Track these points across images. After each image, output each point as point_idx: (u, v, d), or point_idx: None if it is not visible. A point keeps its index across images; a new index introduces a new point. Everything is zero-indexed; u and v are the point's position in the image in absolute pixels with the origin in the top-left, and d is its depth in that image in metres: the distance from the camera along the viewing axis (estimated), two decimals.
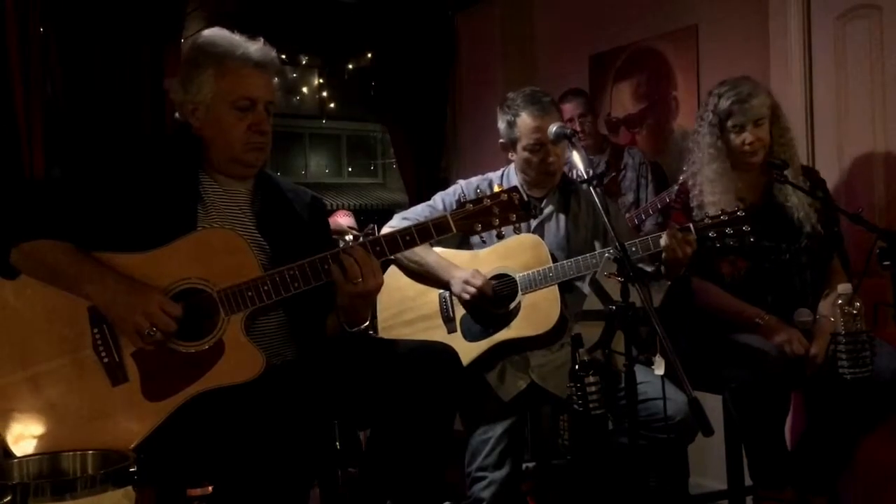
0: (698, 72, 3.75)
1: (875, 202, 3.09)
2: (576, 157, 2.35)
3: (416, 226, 2.00)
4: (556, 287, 2.62)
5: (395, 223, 2.78)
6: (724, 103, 2.68)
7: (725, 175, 2.69)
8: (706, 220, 2.41)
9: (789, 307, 2.65)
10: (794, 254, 2.70)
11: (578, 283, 2.73)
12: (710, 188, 2.70)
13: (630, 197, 3.79)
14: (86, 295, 1.90)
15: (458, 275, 2.66)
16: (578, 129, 3.84)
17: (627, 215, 3.56)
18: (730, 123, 2.68)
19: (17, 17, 3.38)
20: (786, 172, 2.63)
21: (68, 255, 1.92)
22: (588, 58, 4.28)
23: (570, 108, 3.82)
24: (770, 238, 2.66)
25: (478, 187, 2.81)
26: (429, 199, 2.90)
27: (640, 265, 2.37)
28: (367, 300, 2.03)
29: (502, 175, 2.88)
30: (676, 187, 2.96)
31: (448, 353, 2.14)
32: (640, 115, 4.05)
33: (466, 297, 2.63)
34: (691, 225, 2.42)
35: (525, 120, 2.71)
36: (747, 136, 2.66)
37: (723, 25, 3.64)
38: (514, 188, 2.03)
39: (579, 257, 2.60)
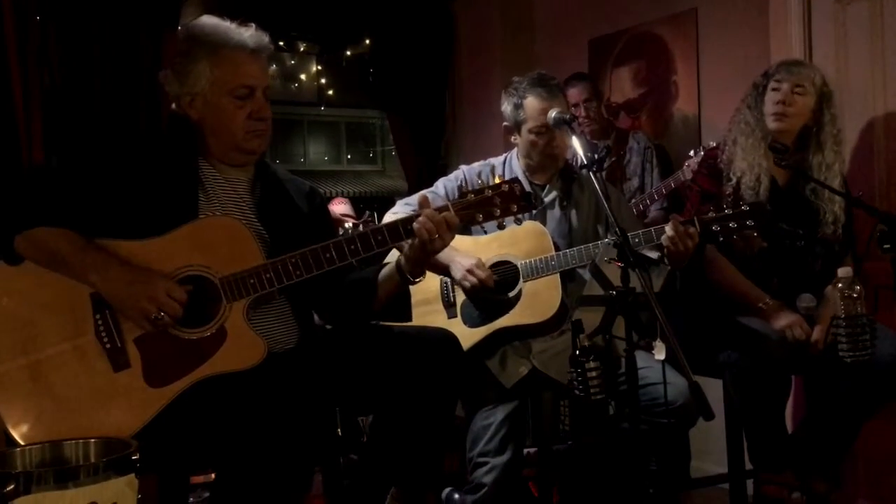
0: (698, 56, 3.74)
1: (875, 186, 3.09)
2: (576, 143, 2.34)
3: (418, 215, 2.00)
4: (557, 275, 2.62)
5: (398, 209, 2.78)
6: (774, 66, 2.73)
7: (756, 143, 2.69)
8: (710, 214, 2.40)
9: (794, 293, 2.64)
10: (809, 242, 2.69)
11: (580, 271, 2.72)
12: (741, 152, 2.71)
13: (635, 182, 3.78)
14: (91, 283, 1.90)
15: (460, 260, 2.65)
16: (583, 113, 3.83)
17: (633, 201, 3.55)
18: (771, 82, 2.69)
19: (14, 6, 3.36)
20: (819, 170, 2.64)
21: (73, 242, 1.91)
22: (587, 42, 4.27)
23: (575, 93, 3.81)
24: (789, 222, 2.66)
25: (479, 173, 2.81)
26: (429, 185, 2.89)
27: (645, 252, 2.37)
28: (434, 255, 2.08)
29: (504, 161, 2.87)
30: (696, 159, 2.95)
31: (449, 339, 2.14)
32: (640, 100, 4.03)
33: (467, 285, 2.62)
34: (695, 218, 2.41)
35: (532, 102, 2.70)
36: (778, 96, 2.67)
37: (722, 9, 3.62)
38: (516, 179, 2.04)
39: (582, 246, 2.59)
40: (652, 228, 2.47)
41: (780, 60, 2.78)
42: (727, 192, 2.65)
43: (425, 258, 2.07)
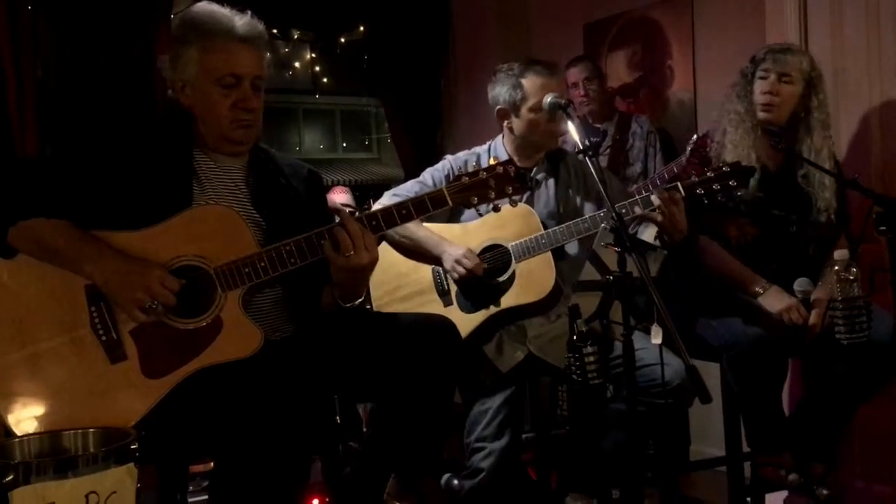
0: (693, 40, 3.73)
1: (871, 168, 3.08)
2: (571, 128, 2.33)
3: (412, 200, 2.00)
4: (549, 253, 2.62)
5: (386, 200, 2.76)
6: (761, 53, 2.70)
7: (746, 133, 2.68)
8: (692, 178, 2.41)
9: (791, 278, 2.64)
10: (801, 226, 2.70)
11: (571, 251, 2.72)
12: (730, 145, 2.69)
13: (638, 167, 3.76)
14: (85, 273, 1.90)
15: (450, 250, 2.65)
16: (582, 93, 3.81)
17: (635, 186, 3.54)
18: (758, 71, 2.68)
19: None
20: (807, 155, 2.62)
21: (66, 233, 1.91)
22: (582, 27, 4.26)
23: (574, 73, 3.80)
24: (781, 207, 2.66)
25: (465, 162, 2.81)
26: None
27: (643, 238, 2.38)
28: (360, 275, 2.01)
29: (489, 148, 2.86)
30: (690, 148, 2.95)
31: (447, 325, 2.14)
32: (636, 84, 4.03)
33: (456, 276, 2.64)
34: (679, 183, 2.41)
35: (533, 80, 2.67)
36: (765, 86, 2.66)
37: None
38: (510, 161, 2.03)
39: (570, 222, 2.60)
40: (637, 197, 2.46)
41: (768, 46, 2.75)
42: None
43: (348, 276, 1.98)
